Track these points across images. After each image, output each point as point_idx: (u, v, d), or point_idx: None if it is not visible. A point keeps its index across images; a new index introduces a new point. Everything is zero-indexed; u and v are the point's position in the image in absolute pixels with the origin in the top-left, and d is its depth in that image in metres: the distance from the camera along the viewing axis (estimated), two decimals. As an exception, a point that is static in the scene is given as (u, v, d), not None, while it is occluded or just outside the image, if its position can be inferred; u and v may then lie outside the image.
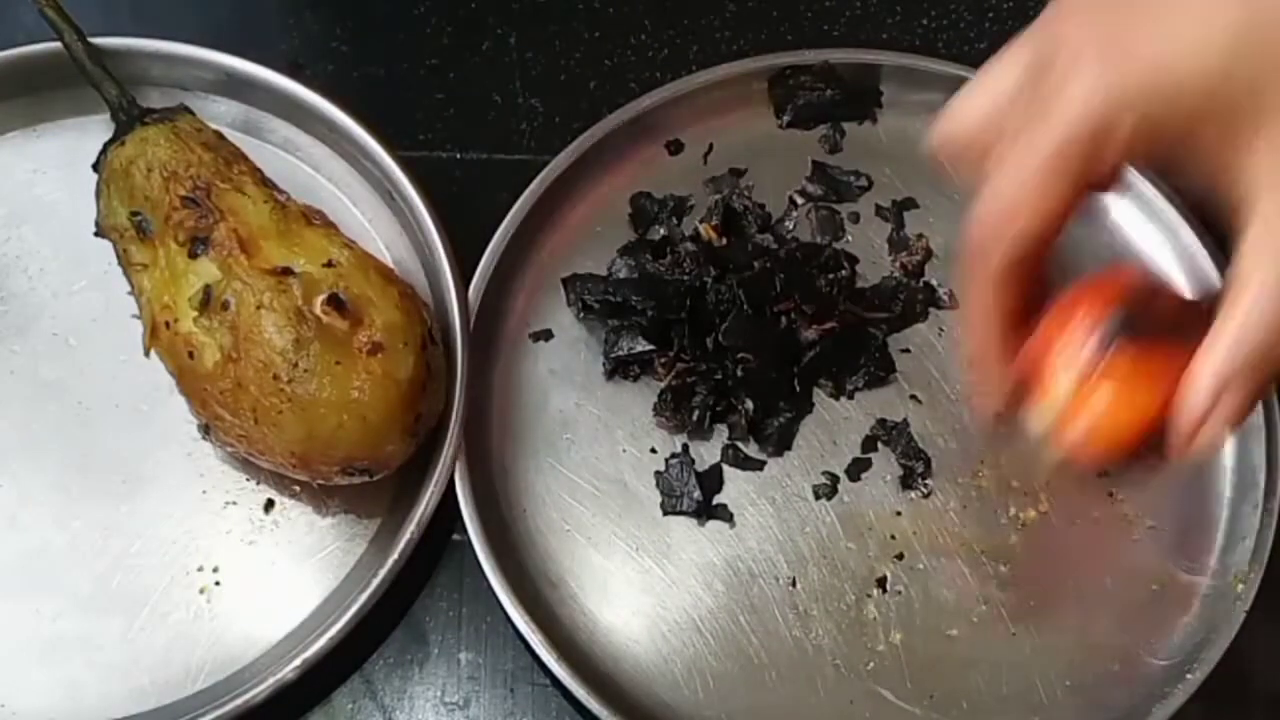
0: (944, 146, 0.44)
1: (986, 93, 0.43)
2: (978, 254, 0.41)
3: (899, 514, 0.56)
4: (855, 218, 0.62)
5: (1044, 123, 0.39)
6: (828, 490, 0.56)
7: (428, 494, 0.53)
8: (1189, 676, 0.51)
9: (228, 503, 0.56)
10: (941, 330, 0.59)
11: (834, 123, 0.64)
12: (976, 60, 0.64)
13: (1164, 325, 0.41)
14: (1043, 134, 0.39)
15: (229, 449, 0.54)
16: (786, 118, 0.64)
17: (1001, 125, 0.41)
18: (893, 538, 0.55)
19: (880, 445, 0.57)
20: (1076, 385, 0.41)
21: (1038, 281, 0.42)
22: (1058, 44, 0.40)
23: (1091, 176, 0.40)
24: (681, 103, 0.62)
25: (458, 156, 0.64)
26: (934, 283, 0.60)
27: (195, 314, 0.51)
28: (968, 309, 0.43)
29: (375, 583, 0.51)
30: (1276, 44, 0.38)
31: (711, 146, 0.63)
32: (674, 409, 0.57)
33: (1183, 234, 0.59)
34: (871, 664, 0.53)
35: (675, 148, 0.63)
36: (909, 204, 0.62)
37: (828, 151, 0.63)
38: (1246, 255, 0.39)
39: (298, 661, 0.50)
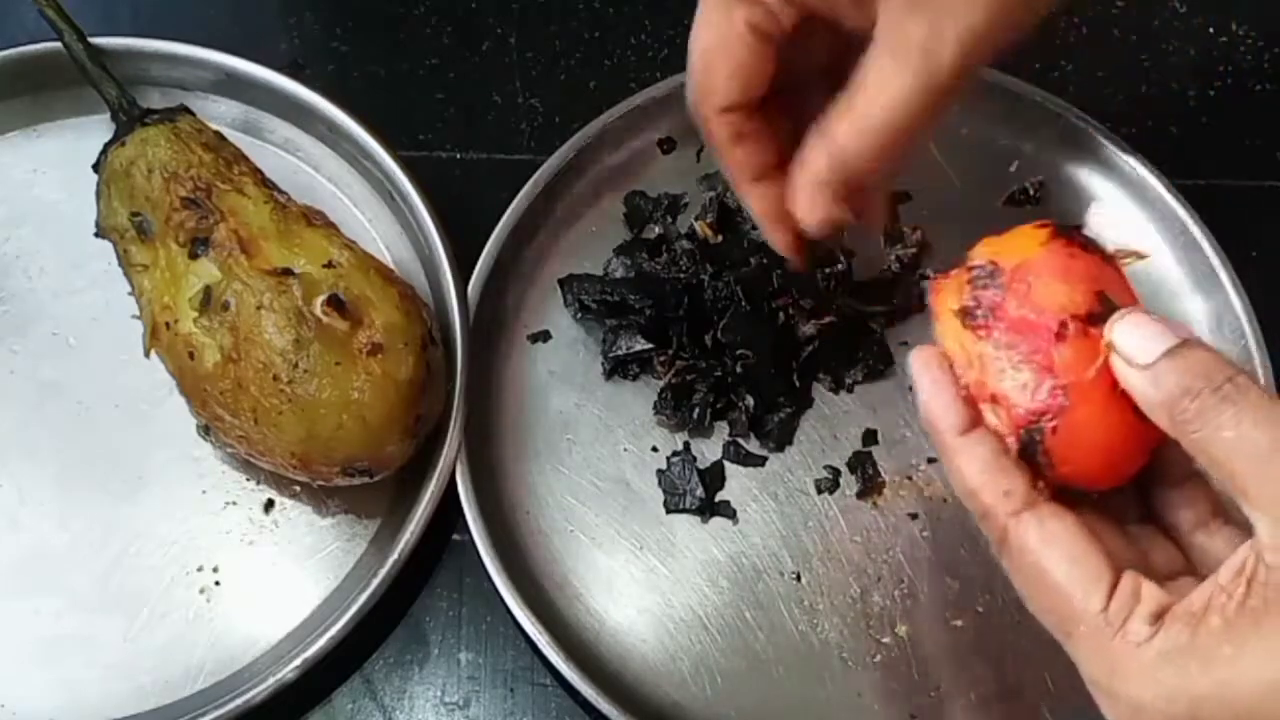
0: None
1: None
2: (697, 117, 0.46)
3: (901, 506, 0.55)
4: (849, 212, 0.62)
5: None
6: (830, 484, 0.56)
7: (428, 494, 0.53)
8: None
9: (228, 503, 0.55)
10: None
11: (825, 117, 0.63)
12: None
13: None
14: None
15: (229, 449, 0.54)
16: (778, 112, 0.64)
17: None
18: (896, 529, 0.55)
19: (881, 438, 0.57)
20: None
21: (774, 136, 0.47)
22: None
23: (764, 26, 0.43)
24: (672, 100, 0.62)
25: (458, 156, 0.64)
26: (930, 274, 0.60)
27: (195, 314, 0.51)
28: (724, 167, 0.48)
29: (375, 583, 0.51)
30: None
31: (704, 144, 0.63)
32: (674, 407, 0.57)
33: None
34: (878, 656, 0.53)
35: (668, 146, 0.63)
36: (903, 197, 0.61)
37: (820, 146, 0.63)
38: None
39: (298, 661, 0.50)
